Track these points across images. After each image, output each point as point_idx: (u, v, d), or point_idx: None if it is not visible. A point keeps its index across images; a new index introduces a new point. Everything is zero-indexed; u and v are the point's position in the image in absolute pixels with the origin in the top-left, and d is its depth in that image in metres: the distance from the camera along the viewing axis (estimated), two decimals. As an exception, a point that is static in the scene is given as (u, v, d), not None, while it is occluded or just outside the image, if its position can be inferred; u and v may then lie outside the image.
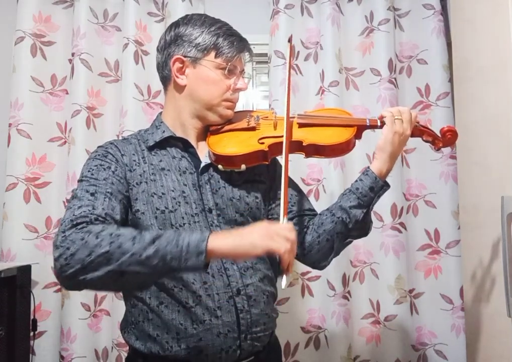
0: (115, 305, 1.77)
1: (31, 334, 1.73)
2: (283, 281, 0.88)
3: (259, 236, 0.87)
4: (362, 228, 1.14)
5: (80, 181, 1.03)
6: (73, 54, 1.87)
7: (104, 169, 1.04)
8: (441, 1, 1.98)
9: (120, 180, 1.04)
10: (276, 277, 1.19)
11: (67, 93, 1.91)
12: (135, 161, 1.08)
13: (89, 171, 1.03)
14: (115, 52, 1.94)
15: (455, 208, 1.87)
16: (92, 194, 0.98)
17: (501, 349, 1.36)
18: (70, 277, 0.87)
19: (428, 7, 1.98)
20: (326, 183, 1.88)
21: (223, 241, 0.88)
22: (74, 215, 0.93)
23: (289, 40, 1.23)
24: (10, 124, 1.83)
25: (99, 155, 1.07)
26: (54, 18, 1.92)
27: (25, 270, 1.70)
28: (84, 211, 0.94)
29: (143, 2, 1.94)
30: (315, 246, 1.16)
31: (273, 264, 1.17)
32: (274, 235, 0.87)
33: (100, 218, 0.95)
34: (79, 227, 0.91)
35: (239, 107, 2.01)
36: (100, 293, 1.82)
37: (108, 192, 1.00)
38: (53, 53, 1.91)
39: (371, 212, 1.15)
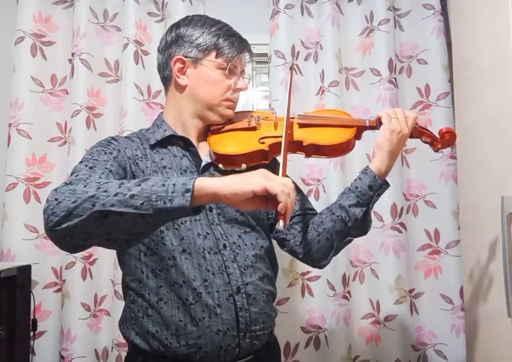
0: (115, 305, 1.77)
1: (31, 334, 1.73)
2: (279, 224, 0.83)
3: (256, 175, 0.84)
4: (361, 226, 1.14)
5: (80, 162, 1.03)
6: (73, 54, 1.87)
7: (105, 153, 1.05)
8: (441, 1, 1.98)
9: (120, 166, 1.05)
10: (275, 276, 1.19)
11: (67, 93, 1.90)
12: (137, 155, 1.10)
13: (90, 154, 1.05)
14: (115, 52, 1.94)
15: (455, 208, 1.87)
16: (90, 168, 0.99)
17: (501, 349, 1.36)
18: (56, 226, 0.83)
19: (428, 7, 1.98)
20: (326, 183, 1.88)
21: (215, 179, 0.84)
22: (69, 179, 0.93)
23: (291, 68, 1.34)
24: (10, 124, 1.82)
25: (102, 143, 1.09)
26: (54, 18, 1.92)
27: (25, 270, 1.69)
28: (80, 177, 0.94)
29: (143, 2, 1.94)
30: (315, 244, 1.16)
31: (272, 264, 1.17)
32: (273, 177, 0.84)
33: None
34: (70, 183, 0.90)
35: (239, 107, 2.02)
36: (100, 293, 1.82)
37: (107, 168, 1.01)
38: (53, 53, 1.90)
39: (371, 211, 1.15)
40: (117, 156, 1.06)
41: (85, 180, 0.90)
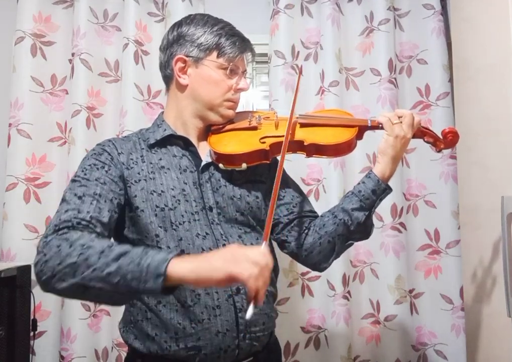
0: (115, 305, 1.78)
1: (31, 334, 1.73)
2: (248, 311, 0.78)
3: (222, 259, 0.81)
4: (363, 230, 1.14)
5: (72, 181, 1.02)
6: (73, 54, 1.87)
7: (98, 169, 1.03)
8: (441, 1, 1.98)
9: (113, 179, 1.03)
10: (276, 277, 1.18)
11: (67, 93, 1.90)
12: (132, 159, 1.08)
13: (82, 171, 1.03)
14: (115, 52, 1.94)
15: (455, 208, 1.87)
16: (79, 198, 0.98)
17: (501, 349, 1.36)
18: (44, 284, 0.87)
19: (428, 7, 1.98)
20: (326, 183, 1.88)
21: (185, 263, 0.82)
22: (59, 220, 0.94)
23: (300, 71, 1.27)
24: (10, 124, 1.83)
25: (94, 153, 1.07)
26: (54, 18, 1.92)
27: (25, 270, 1.69)
28: (69, 216, 0.94)
29: (143, 2, 1.94)
30: (316, 247, 1.16)
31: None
32: (241, 258, 0.80)
33: (83, 221, 0.94)
34: (60, 232, 0.91)
35: (239, 107, 2.03)
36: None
37: (96, 193, 0.99)
38: (53, 53, 1.90)
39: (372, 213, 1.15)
40: (109, 168, 1.04)
41: (73, 240, 0.88)
